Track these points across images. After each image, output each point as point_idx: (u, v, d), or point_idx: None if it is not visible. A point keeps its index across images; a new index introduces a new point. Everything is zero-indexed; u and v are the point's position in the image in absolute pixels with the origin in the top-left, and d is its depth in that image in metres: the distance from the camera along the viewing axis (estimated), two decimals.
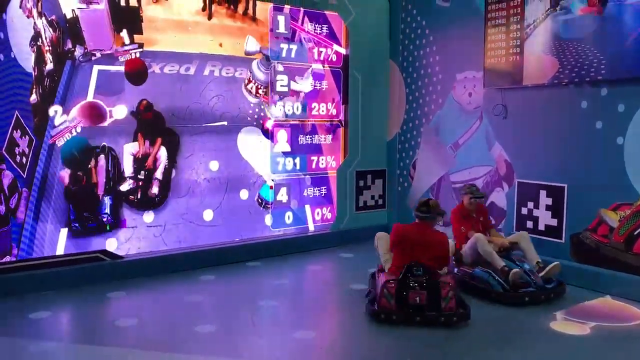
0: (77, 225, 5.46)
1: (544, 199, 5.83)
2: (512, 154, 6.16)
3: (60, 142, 5.37)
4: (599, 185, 5.34)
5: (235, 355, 3.88)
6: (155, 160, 5.85)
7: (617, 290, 5.13)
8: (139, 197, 5.81)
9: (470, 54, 6.48)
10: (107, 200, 5.62)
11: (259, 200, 6.69)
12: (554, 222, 5.74)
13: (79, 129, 5.45)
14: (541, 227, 5.86)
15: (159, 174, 5.90)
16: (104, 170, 5.59)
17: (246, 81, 6.47)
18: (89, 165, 5.52)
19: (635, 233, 5.09)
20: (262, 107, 6.53)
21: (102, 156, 5.57)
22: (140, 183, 5.79)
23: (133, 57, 5.69)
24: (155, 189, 5.88)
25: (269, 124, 6.68)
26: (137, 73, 5.72)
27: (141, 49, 5.74)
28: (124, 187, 5.71)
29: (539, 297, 4.83)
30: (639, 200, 5.05)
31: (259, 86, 6.53)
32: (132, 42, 5.67)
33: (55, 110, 5.30)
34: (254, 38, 6.45)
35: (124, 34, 5.63)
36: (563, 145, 5.64)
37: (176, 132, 6.04)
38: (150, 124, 5.84)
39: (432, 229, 4.78)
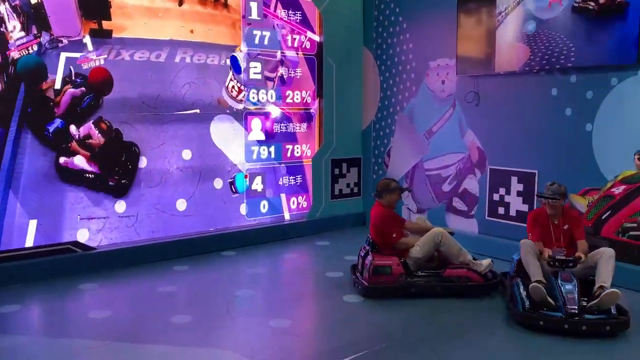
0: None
1: (515, 185, 5.93)
2: (484, 140, 6.23)
3: (16, 56, 5.13)
4: (568, 171, 5.45)
5: (211, 345, 3.86)
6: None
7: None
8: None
9: (443, 41, 6.52)
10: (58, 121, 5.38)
11: (232, 188, 6.63)
12: (525, 208, 5.84)
13: (35, 47, 5.21)
14: (512, 212, 5.97)
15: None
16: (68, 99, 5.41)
17: (227, 82, 6.39)
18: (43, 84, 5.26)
19: (603, 217, 5.21)
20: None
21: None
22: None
23: (97, 64, 5.53)
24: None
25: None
26: (101, 83, 5.57)
27: (106, 56, 5.59)
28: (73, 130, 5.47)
29: (562, 324, 3.90)
30: (607, 186, 5.18)
31: (241, 87, 6.47)
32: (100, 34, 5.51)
33: (14, 25, 5.06)
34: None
35: (87, 40, 5.46)
36: (534, 132, 5.73)
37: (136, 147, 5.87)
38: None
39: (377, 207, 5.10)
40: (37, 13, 5.18)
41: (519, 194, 5.91)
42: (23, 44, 5.19)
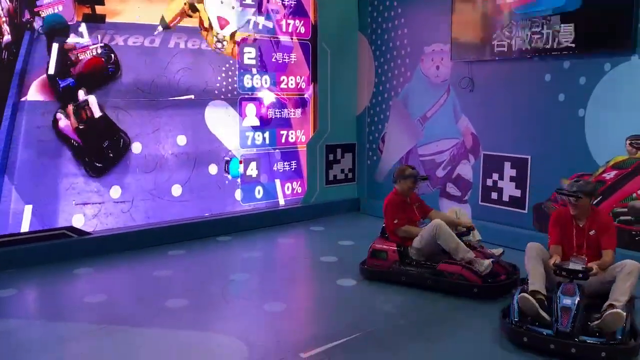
0: None
1: (509, 171, 5.97)
2: (478, 126, 6.26)
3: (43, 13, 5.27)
4: (561, 156, 5.49)
5: (207, 328, 3.91)
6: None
7: None
8: None
9: (438, 26, 6.51)
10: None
11: (225, 168, 6.65)
12: (517, 193, 5.90)
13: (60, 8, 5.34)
14: (505, 198, 6.02)
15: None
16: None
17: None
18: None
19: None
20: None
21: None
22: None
23: (92, 55, 5.54)
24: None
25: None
26: (96, 73, 5.59)
27: (102, 44, 5.58)
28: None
29: (548, 344, 3.38)
30: (599, 171, 5.22)
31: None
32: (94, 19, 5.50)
33: None
34: None
35: (83, 28, 5.47)
36: (527, 117, 5.76)
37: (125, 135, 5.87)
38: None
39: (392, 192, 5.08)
40: None
41: (512, 179, 5.95)
42: (49, 3, 5.25)
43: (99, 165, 5.72)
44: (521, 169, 5.84)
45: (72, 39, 5.42)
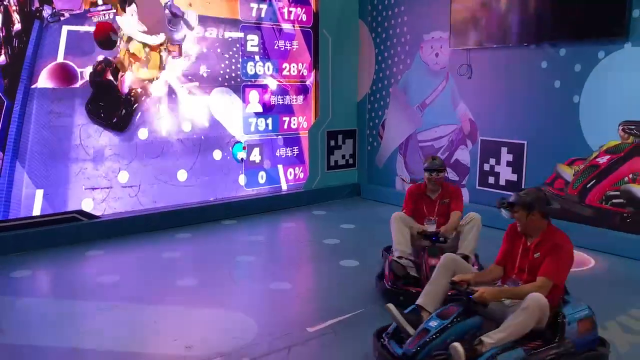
0: None
1: (505, 156, 6.14)
2: (476, 112, 6.42)
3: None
4: (556, 141, 5.66)
5: (215, 305, 4.10)
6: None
7: (571, 240, 5.47)
8: None
9: (437, 14, 6.64)
10: None
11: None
12: (514, 178, 6.08)
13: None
14: (502, 182, 6.20)
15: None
16: None
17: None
18: None
19: (588, 186, 5.45)
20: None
21: None
22: None
23: (104, 19, 5.66)
24: None
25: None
26: (105, 37, 5.71)
27: (114, 10, 5.71)
28: None
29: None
30: (592, 155, 5.40)
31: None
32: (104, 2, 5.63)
33: None
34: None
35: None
36: (523, 103, 5.92)
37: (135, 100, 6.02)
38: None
39: None
40: None
41: (508, 164, 6.12)
42: None
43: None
44: (517, 154, 6.01)
45: None
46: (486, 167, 6.36)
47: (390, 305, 3.14)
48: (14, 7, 5.18)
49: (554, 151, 5.68)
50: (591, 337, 3.13)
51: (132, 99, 5.97)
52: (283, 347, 3.42)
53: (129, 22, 5.74)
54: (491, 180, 6.31)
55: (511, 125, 6.05)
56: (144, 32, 5.89)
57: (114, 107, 5.86)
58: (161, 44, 6.03)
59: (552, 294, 3.02)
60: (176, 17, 5.93)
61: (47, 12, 5.35)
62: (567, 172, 5.61)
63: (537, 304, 2.89)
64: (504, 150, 6.15)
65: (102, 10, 5.66)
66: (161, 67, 6.10)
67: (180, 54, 6.17)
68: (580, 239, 5.39)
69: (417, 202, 4.45)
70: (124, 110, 5.93)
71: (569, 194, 5.59)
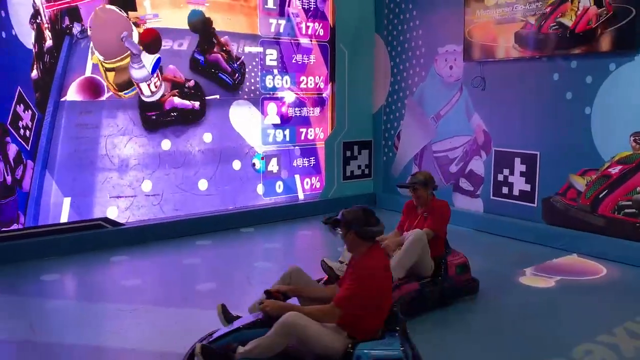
0: None
1: (519, 166, 6.23)
2: (490, 123, 6.53)
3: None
4: (568, 152, 5.74)
5: (233, 309, 4.23)
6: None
7: (583, 249, 5.58)
8: None
9: (451, 28, 6.79)
10: None
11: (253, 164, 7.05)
12: (527, 188, 6.15)
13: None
14: (516, 192, 6.28)
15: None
16: None
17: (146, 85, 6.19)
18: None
19: (600, 196, 5.51)
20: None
21: None
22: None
23: (149, 26, 6.04)
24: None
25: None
26: (152, 42, 6.06)
27: (159, 19, 6.07)
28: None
29: None
30: (604, 166, 5.46)
31: (149, 83, 6.16)
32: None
33: None
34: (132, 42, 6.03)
35: (147, 3, 5.99)
36: (536, 115, 6.02)
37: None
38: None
39: None
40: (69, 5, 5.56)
41: (522, 174, 6.21)
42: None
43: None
44: (531, 164, 6.10)
45: None
46: (500, 177, 6.45)
47: (218, 306, 3.31)
48: (46, 25, 5.48)
49: (567, 162, 5.76)
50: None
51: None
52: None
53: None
54: (505, 190, 6.40)
55: (524, 136, 6.15)
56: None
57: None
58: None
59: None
60: (133, 54, 5.96)
61: (76, 29, 5.64)
62: (580, 183, 5.67)
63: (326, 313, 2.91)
64: (517, 160, 6.25)
65: (149, 19, 6.03)
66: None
67: (157, 87, 6.23)
68: (592, 248, 5.49)
69: (408, 215, 4.52)
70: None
71: (581, 203, 5.66)
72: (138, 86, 6.08)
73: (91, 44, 5.71)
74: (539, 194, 6.05)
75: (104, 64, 5.82)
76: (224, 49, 6.68)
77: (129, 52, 5.94)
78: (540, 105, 5.97)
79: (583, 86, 5.55)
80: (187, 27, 6.34)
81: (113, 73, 5.92)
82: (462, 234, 6.45)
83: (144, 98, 6.13)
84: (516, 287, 4.72)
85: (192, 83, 6.46)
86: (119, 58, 5.92)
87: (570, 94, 5.67)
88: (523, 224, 6.11)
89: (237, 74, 6.80)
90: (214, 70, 6.64)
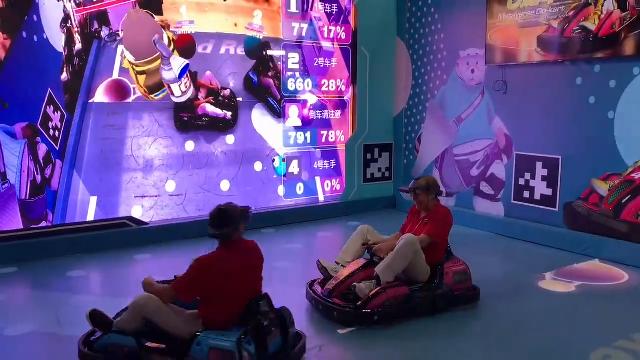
0: None
1: (540, 170, 6.20)
2: (511, 127, 6.51)
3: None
4: (591, 156, 5.69)
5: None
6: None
7: (605, 254, 5.52)
8: None
9: (473, 32, 6.79)
10: None
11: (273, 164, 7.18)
12: (549, 192, 6.12)
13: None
14: (537, 196, 6.24)
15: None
16: None
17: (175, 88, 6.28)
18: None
19: (624, 201, 5.45)
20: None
21: None
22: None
23: (185, 32, 6.26)
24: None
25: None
26: (187, 48, 6.27)
27: (194, 25, 6.28)
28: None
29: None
30: (628, 171, 5.41)
31: (179, 84, 6.28)
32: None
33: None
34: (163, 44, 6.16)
35: (183, 9, 6.21)
36: (558, 119, 5.98)
37: None
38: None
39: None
40: (98, 9, 5.73)
41: (543, 178, 6.17)
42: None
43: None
44: (552, 168, 6.06)
45: None
46: (521, 181, 6.42)
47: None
48: (76, 29, 5.66)
49: (589, 166, 5.71)
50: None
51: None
52: (315, 346, 3.62)
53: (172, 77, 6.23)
54: (526, 194, 6.36)
55: (546, 140, 6.11)
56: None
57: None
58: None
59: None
60: (163, 57, 6.10)
61: (105, 32, 5.81)
62: (602, 188, 5.62)
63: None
64: (539, 165, 6.21)
65: (185, 25, 6.25)
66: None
67: (187, 87, 6.36)
68: (614, 254, 5.45)
69: (411, 219, 4.54)
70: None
71: (604, 209, 5.60)
72: (169, 87, 6.23)
73: (122, 47, 5.86)
74: (560, 199, 6.01)
75: (135, 67, 5.98)
76: (278, 75, 6.90)
77: (158, 54, 6.09)
78: (562, 110, 5.94)
79: (606, 90, 5.50)
80: (221, 31, 6.52)
81: (144, 76, 6.08)
82: (482, 238, 6.45)
83: (174, 99, 6.28)
84: (535, 291, 4.70)
85: (227, 92, 6.62)
86: (149, 59, 6.07)
87: (594, 98, 5.63)
88: (544, 229, 6.07)
89: (283, 103, 7.04)
90: (265, 94, 6.91)
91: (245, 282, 3.30)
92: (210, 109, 6.53)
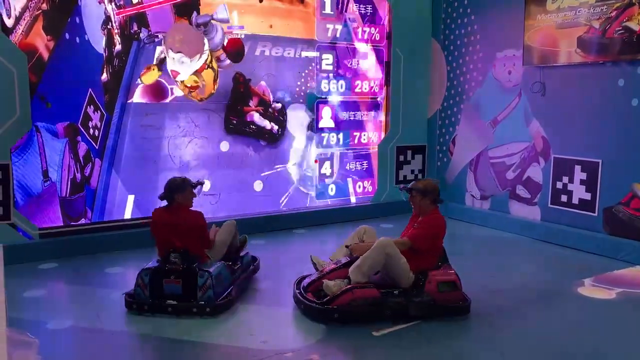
0: None
1: (579, 174, 6.05)
2: (549, 130, 6.38)
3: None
4: (632, 160, 5.54)
5: (288, 306, 4.35)
6: None
7: None
8: None
9: (510, 32, 6.68)
10: None
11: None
12: (587, 196, 5.97)
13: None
14: (575, 200, 6.10)
15: None
16: None
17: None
18: None
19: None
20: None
21: None
22: None
23: (235, 37, 6.40)
24: None
25: None
26: (236, 51, 6.41)
27: (244, 30, 6.45)
28: None
29: None
30: None
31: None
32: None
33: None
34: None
35: (234, 15, 6.36)
36: (599, 121, 5.84)
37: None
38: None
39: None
40: (137, 12, 5.85)
41: (582, 182, 6.03)
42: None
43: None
44: (592, 172, 5.92)
45: None
46: (559, 185, 6.29)
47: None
48: (116, 30, 5.79)
49: (631, 170, 5.55)
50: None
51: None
52: (350, 348, 3.61)
53: (179, 68, 6.19)
54: (564, 198, 6.23)
55: (585, 144, 5.97)
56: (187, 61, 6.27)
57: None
58: (205, 61, 6.31)
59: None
60: (206, 25, 6.20)
61: (143, 34, 5.92)
62: None
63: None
64: (577, 168, 6.07)
65: (236, 30, 6.42)
66: (215, 79, 6.41)
67: (226, 54, 6.45)
68: None
69: (410, 221, 4.43)
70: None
71: None
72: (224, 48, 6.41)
73: (160, 48, 5.97)
74: (600, 203, 5.86)
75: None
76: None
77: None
78: (603, 112, 5.79)
79: None
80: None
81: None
82: (518, 242, 6.34)
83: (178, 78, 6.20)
84: (573, 297, 4.59)
85: (278, 106, 6.79)
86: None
87: (637, 100, 5.48)
88: (582, 234, 5.93)
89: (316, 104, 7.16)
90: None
91: (162, 235, 4.34)
92: (257, 118, 6.64)
